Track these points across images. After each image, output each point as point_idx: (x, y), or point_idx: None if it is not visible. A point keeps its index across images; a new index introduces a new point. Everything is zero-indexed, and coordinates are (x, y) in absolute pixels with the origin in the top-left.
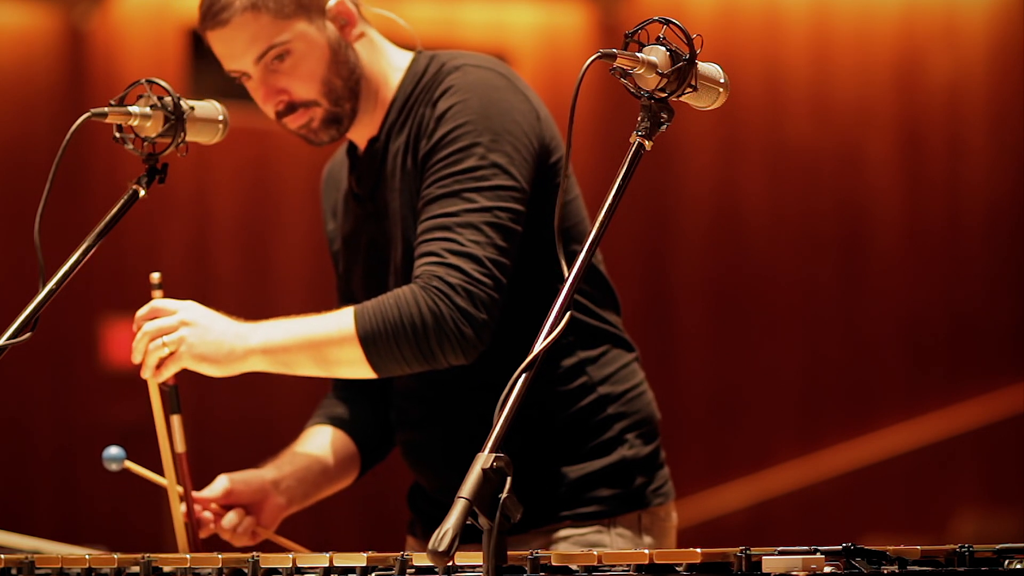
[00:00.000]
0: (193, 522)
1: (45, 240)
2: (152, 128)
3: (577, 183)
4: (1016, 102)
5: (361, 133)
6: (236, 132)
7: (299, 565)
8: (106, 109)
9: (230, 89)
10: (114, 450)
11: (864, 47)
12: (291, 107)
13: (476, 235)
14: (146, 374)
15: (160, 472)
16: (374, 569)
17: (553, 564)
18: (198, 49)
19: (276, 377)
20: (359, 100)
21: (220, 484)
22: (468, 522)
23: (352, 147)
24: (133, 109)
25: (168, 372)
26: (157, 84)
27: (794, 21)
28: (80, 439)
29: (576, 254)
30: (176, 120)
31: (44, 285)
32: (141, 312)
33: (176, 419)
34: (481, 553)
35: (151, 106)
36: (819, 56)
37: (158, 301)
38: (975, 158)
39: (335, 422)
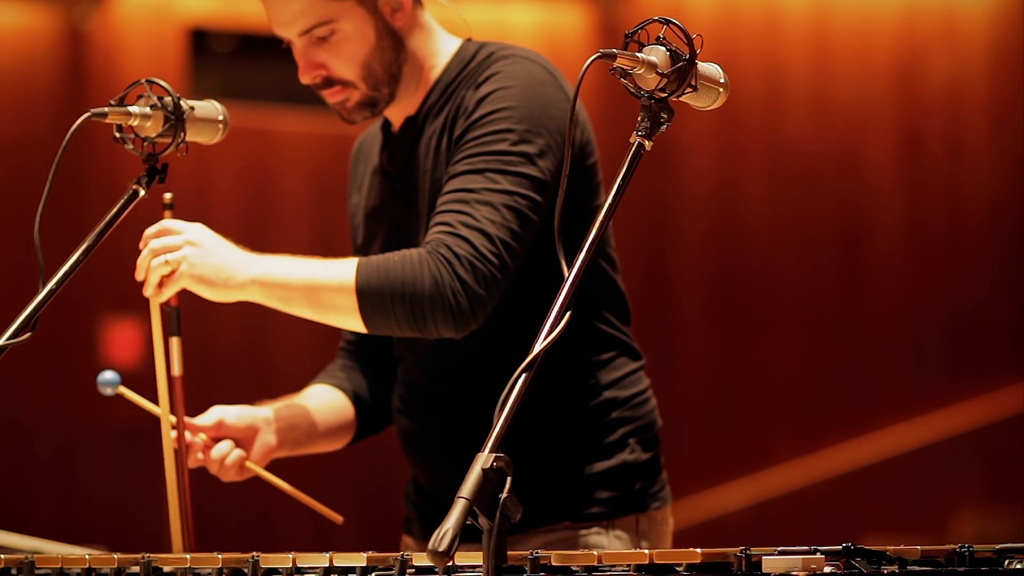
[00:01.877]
0: (183, 448)
1: (45, 240)
2: (152, 128)
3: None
4: (1016, 102)
5: (399, 111)
6: (236, 132)
7: (299, 565)
8: (106, 109)
9: (230, 89)
10: (108, 375)
11: (864, 47)
12: (328, 82)
13: (492, 213)
14: (148, 292)
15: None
16: (374, 569)
17: (553, 564)
18: (198, 49)
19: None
20: (399, 85)
21: (213, 414)
22: (468, 522)
23: (386, 123)
24: (133, 109)
25: (168, 292)
26: (157, 84)
27: (794, 21)
28: (80, 439)
29: (599, 262)
30: (176, 120)
31: (44, 285)
32: (149, 231)
33: (175, 341)
34: (481, 553)
35: (151, 106)
36: (819, 56)
37: (167, 221)
38: (975, 158)
39: (337, 385)
